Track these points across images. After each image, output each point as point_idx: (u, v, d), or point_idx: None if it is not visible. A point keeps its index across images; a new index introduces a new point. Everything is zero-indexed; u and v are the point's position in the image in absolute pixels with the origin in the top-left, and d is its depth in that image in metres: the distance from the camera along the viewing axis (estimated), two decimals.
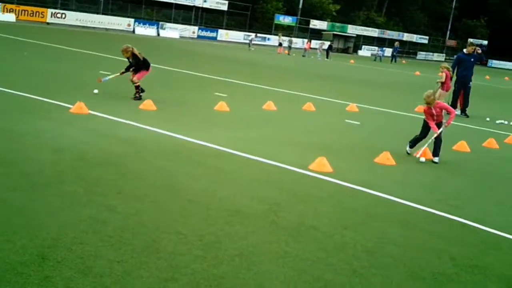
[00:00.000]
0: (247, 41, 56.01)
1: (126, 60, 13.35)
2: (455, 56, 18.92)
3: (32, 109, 10.55)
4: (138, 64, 13.24)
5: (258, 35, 60.14)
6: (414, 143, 10.20)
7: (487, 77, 44.75)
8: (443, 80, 17.26)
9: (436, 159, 9.74)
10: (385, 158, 9.31)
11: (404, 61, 65.78)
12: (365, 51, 76.32)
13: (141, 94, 13.22)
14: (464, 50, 17.88)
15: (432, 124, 9.85)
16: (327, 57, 50.40)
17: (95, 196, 5.96)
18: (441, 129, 9.79)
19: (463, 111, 17.71)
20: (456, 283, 4.86)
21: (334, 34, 72.27)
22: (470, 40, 18.07)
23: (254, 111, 13.60)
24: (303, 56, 50.54)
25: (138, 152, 8.19)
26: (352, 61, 51.05)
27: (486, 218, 6.84)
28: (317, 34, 71.51)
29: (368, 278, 4.70)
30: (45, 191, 5.95)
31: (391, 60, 58.36)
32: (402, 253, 5.40)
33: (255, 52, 46.69)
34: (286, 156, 8.93)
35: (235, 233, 5.38)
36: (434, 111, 9.80)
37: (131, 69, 13.23)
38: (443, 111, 10.04)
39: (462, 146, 11.38)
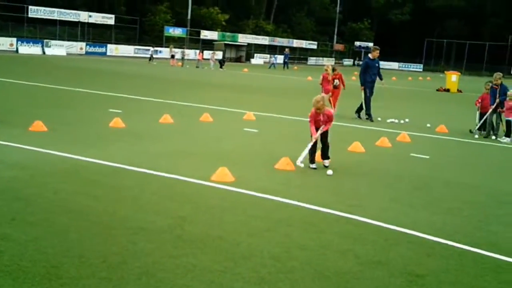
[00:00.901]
0: (148, 55, 55.59)
1: None
2: (361, 62, 19.17)
3: None
4: None
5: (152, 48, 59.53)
6: (311, 156, 9.83)
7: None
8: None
9: (325, 163, 9.86)
10: (285, 163, 9.53)
11: (295, 67, 67.58)
12: (258, 59, 77.66)
13: None
14: (370, 55, 18.09)
15: (312, 129, 9.72)
16: (221, 67, 50.80)
17: None
18: (317, 134, 9.64)
19: (368, 115, 17.83)
20: (361, 280, 5.07)
21: (225, 44, 73.00)
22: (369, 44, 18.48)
23: (151, 125, 13.46)
24: (197, 67, 50.59)
25: (31, 176, 7.86)
26: (245, 69, 51.76)
27: (384, 215, 7.18)
28: (208, 45, 71.88)
29: (276, 284, 4.79)
30: None
31: (284, 67, 59.81)
32: (307, 255, 5.55)
33: (147, 66, 46.17)
34: (187, 169, 8.92)
35: (140, 251, 5.30)
36: (321, 117, 9.65)
37: None
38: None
39: (357, 146, 11.88)
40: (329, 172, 9.43)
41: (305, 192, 8.13)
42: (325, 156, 9.93)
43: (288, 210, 7.17)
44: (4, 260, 4.82)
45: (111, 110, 15.57)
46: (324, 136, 9.83)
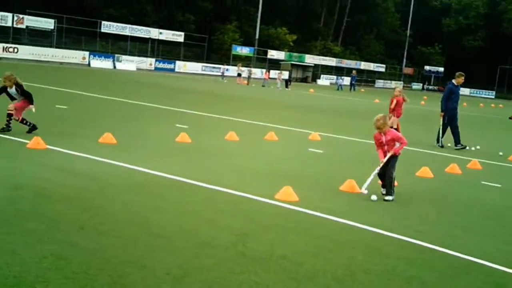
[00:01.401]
0: (217, 73, 56.76)
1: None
2: (446, 87, 18.29)
3: None
4: (21, 95, 12.07)
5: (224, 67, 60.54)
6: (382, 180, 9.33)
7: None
8: (392, 106, 17.65)
9: (387, 198, 9.01)
10: (350, 186, 9.43)
11: (362, 90, 67.07)
12: (324, 80, 77.61)
13: (31, 129, 11.95)
14: (454, 81, 17.26)
15: (379, 153, 9.20)
16: (286, 87, 51.03)
17: (56, 233, 5.87)
18: (385, 159, 9.03)
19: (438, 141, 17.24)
20: None
21: (292, 64, 73.35)
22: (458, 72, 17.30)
23: (216, 142, 13.64)
24: (263, 86, 51.02)
25: (100, 187, 8.10)
26: (311, 90, 51.77)
27: (452, 243, 6.98)
28: (275, 64, 72.45)
29: None
30: (4, 229, 5.83)
31: (350, 89, 59.48)
32: (371, 280, 5.46)
33: (214, 83, 46.93)
34: (252, 186, 8.97)
35: (203, 266, 5.36)
36: (384, 139, 9.12)
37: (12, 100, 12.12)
38: (396, 142, 9.13)
39: (425, 172, 11.63)
40: (373, 197, 8.90)
41: (370, 215, 8.01)
42: (387, 190, 9.14)
43: (352, 233, 7.08)
44: (72, 267, 4.98)
45: (178, 125, 15.88)
46: (390, 164, 9.09)
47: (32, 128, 12.02)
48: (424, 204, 9.17)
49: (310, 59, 79.04)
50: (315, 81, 76.47)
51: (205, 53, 70.50)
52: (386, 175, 9.11)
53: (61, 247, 5.45)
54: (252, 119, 19.90)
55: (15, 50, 49.72)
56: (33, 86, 24.73)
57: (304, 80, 74.97)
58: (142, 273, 5.01)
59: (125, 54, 59.98)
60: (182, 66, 63.90)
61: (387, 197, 9.04)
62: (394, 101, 17.65)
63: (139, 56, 61.34)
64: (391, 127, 17.09)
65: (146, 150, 11.61)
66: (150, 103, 22.22)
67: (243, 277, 5.16)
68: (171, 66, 62.96)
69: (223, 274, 5.19)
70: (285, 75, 53.95)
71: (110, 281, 4.75)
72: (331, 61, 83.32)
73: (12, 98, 12.11)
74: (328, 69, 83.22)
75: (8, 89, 11.98)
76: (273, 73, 62.89)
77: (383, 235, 7.08)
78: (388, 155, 9.10)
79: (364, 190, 9.07)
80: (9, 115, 11.81)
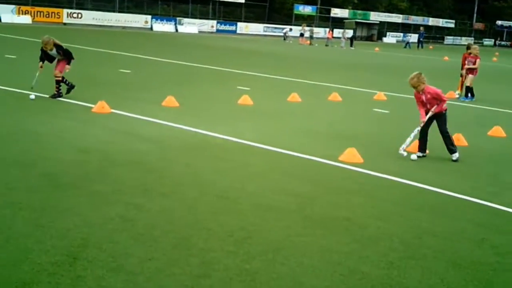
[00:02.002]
0: (279, 33, 56.38)
1: (52, 53, 11.95)
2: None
3: (54, 110, 10.67)
4: (63, 56, 12.00)
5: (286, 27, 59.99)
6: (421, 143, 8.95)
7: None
8: (477, 66, 16.96)
9: (453, 156, 8.77)
10: (417, 147, 9.20)
11: (431, 47, 65.10)
12: (390, 38, 75.70)
13: (70, 88, 12.10)
14: None
15: (421, 111, 8.82)
16: (351, 46, 50.10)
17: (122, 195, 6.01)
18: (425, 118, 8.71)
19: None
20: (499, 272, 4.80)
21: (356, 22, 71.78)
22: None
23: (278, 104, 13.58)
24: (326, 45, 50.31)
25: (163, 149, 8.23)
26: (377, 48, 50.65)
27: None
28: (338, 23, 71.08)
29: (405, 270, 4.66)
30: (71, 191, 6.01)
31: (418, 46, 57.85)
32: (440, 243, 5.34)
33: (276, 44, 46.62)
34: (315, 148, 8.91)
35: (267, 228, 5.37)
36: (423, 98, 8.74)
37: (53, 61, 12.17)
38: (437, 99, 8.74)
39: (498, 131, 11.22)
40: (413, 156, 8.67)
41: (439, 176, 7.81)
42: (448, 149, 8.83)
43: (419, 195, 6.94)
44: (138, 228, 5.09)
45: (239, 87, 15.89)
46: (439, 123, 8.81)
47: (71, 88, 12.08)
48: (495, 165, 8.87)
49: (375, 17, 77.04)
50: (381, 39, 74.66)
51: (267, 13, 69.86)
52: (442, 135, 8.82)
53: (127, 209, 5.58)
54: (315, 80, 19.68)
55: (79, 15, 50.78)
56: (96, 51, 25.27)
57: (369, 38, 73.31)
58: (206, 235, 5.07)
59: (187, 17, 60.22)
60: (243, 27, 63.67)
61: (454, 156, 8.77)
62: (478, 61, 16.92)
63: (200, 18, 61.49)
64: (468, 86, 16.58)
65: (208, 112, 11.69)
66: (212, 66, 22.31)
67: (307, 239, 5.15)
68: (233, 27, 62.85)
69: (287, 236, 5.19)
70: (349, 33, 52.86)
71: (174, 242, 4.83)
72: (397, 18, 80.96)
73: (51, 60, 12.11)
74: (394, 27, 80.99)
75: (49, 52, 11.93)
76: (337, 32, 61.79)
77: (452, 196, 6.90)
78: (429, 114, 8.73)
79: (402, 151, 8.74)
80: (58, 82, 11.93)
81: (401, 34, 76.13)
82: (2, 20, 44.57)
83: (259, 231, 5.26)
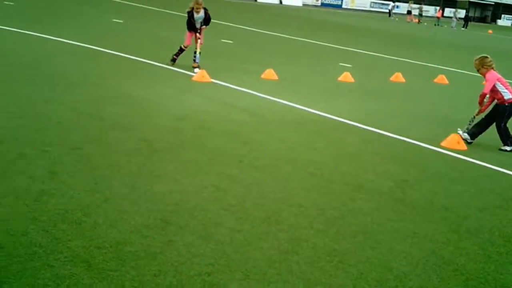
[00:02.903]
0: (385, 10, 55.17)
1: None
2: None
3: (155, 76, 10.99)
4: (207, 19, 11.93)
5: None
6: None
7: None
8: None
9: (505, 148, 8.26)
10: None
11: None
12: (505, 21, 71.98)
13: (175, 59, 12.21)
14: None
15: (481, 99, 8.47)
16: (464, 26, 48.06)
17: (216, 165, 6.13)
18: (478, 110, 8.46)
19: None
20: None
21: (469, 2, 68.70)
22: None
23: (380, 83, 13.30)
24: (435, 25, 48.58)
25: (259, 122, 8.29)
26: (490, 31, 48.33)
27: None
28: (450, 1, 68.33)
29: (503, 266, 4.46)
30: (167, 157, 6.19)
31: None
32: None
33: (383, 21, 45.54)
34: (415, 131, 8.67)
35: (359, 209, 5.31)
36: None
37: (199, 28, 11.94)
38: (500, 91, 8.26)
39: None
40: (460, 132, 8.35)
41: None
42: (503, 141, 8.32)
43: None
44: (229, 199, 5.18)
45: (341, 64, 15.69)
46: (493, 115, 8.37)
47: (178, 56, 12.20)
48: None
49: None
50: (495, 21, 71.15)
51: None
52: (498, 128, 8.35)
53: (220, 178, 5.69)
54: (421, 60, 19.08)
55: None
56: None
57: (482, 19, 70.18)
58: (296, 211, 5.09)
59: None
60: (349, 2, 62.70)
61: (503, 147, 8.28)
62: None
63: None
64: None
65: (306, 88, 11.64)
66: (315, 40, 22.14)
67: (399, 224, 5.04)
68: (338, 2, 62.04)
69: (378, 219, 5.11)
70: (461, 13, 50.76)
71: (264, 216, 4.88)
72: None
73: (192, 27, 11.87)
74: (510, 8, 76.83)
75: (196, 15, 11.74)
76: (448, 12, 59.45)
77: None
78: (479, 109, 8.48)
79: (461, 132, 8.43)
80: (183, 51, 12.08)
81: None
82: None
83: (350, 212, 5.20)
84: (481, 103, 8.46)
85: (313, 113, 9.26)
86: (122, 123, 7.37)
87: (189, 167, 5.95)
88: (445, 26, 48.40)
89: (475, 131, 8.41)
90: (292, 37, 22.52)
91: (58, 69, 10.53)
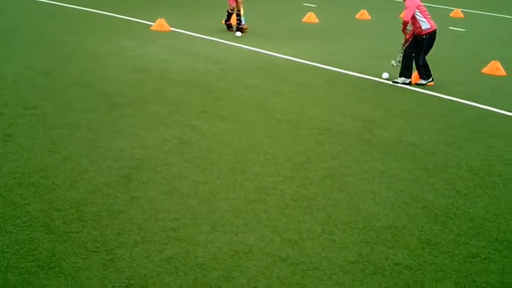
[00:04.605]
0: None
1: None
2: None
3: (113, 28, 10.73)
4: None
5: None
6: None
7: None
8: None
9: (397, 80, 8.01)
10: (494, 68, 8.81)
11: None
12: None
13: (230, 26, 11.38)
14: None
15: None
16: None
17: (179, 116, 6.03)
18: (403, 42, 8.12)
19: None
20: None
21: None
22: None
23: (346, 22, 13.19)
24: None
25: (223, 70, 8.17)
26: None
27: None
28: None
29: (472, 199, 4.51)
30: (127, 112, 6.07)
31: None
32: (511, 171, 5.14)
33: None
34: (381, 70, 8.63)
35: (326, 153, 5.30)
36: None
37: None
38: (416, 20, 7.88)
39: None
40: (385, 75, 8.14)
41: None
42: (419, 74, 8.02)
43: (492, 120, 6.66)
44: (193, 151, 5.12)
45: (305, 4, 15.49)
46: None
47: (229, 20, 11.34)
48: None
49: None
50: None
51: None
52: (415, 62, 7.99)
53: (183, 131, 5.61)
54: None
55: None
56: None
57: None
58: (263, 158, 5.05)
59: None
60: None
61: (398, 79, 8.00)
62: None
63: None
64: None
65: (270, 31, 11.48)
66: None
67: (367, 165, 5.05)
68: None
69: (346, 161, 5.10)
70: None
71: (230, 166, 4.84)
72: None
73: None
74: None
75: None
76: None
77: None
78: (405, 37, 8.09)
79: (394, 63, 8.24)
80: (238, 15, 11.08)
81: None
82: None
83: (317, 156, 5.19)
84: (404, 30, 8.06)
85: (278, 57, 9.16)
86: (80, 79, 7.20)
87: (150, 120, 5.85)
88: None
89: (409, 71, 8.00)
90: None
91: (12, 25, 10.20)
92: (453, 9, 15.45)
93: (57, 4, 12.78)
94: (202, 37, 10.30)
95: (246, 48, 9.57)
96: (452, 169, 5.10)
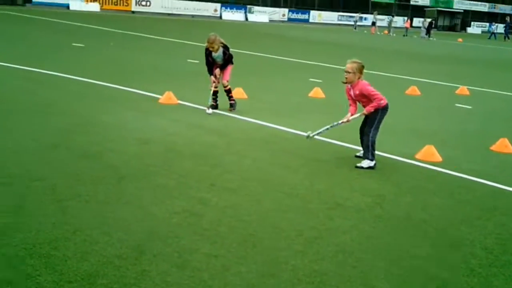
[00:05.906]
0: (352, 22, 56.13)
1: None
2: None
3: (120, 100, 10.96)
4: (226, 59, 10.70)
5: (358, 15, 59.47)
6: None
7: None
8: None
9: (361, 164, 7.57)
10: (503, 145, 8.95)
11: None
12: (475, 28, 73.60)
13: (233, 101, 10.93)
14: None
15: (350, 108, 7.86)
16: (427, 35, 48.86)
17: (187, 189, 6.12)
18: (353, 116, 7.76)
19: None
20: None
21: (438, 11, 70.12)
22: None
23: None
24: (404, 36, 49.40)
25: (230, 143, 8.32)
26: (460, 39, 49.33)
27: None
28: (418, 11, 69.63)
29: (487, 278, 4.54)
30: (134, 184, 6.17)
31: (505, 38, 56.00)
32: None
33: (350, 34, 46.15)
34: (390, 145, 8.78)
35: (337, 228, 5.35)
36: (352, 92, 7.75)
37: (215, 68, 10.69)
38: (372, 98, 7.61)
39: None
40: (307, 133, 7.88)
41: None
42: (363, 154, 7.70)
43: (503, 197, 6.74)
44: (203, 224, 5.18)
45: (311, 79, 15.85)
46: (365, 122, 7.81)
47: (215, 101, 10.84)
48: None
49: (459, 5, 75.02)
50: (464, 29, 72.68)
51: (342, 1, 69.21)
52: (364, 136, 7.72)
53: (192, 203, 5.68)
54: (392, 72, 19.37)
55: (148, 3, 51.87)
56: (164, 40, 25.76)
57: (451, 28, 71.60)
58: (273, 233, 5.11)
59: (257, 4, 60.44)
60: (316, 16, 63.38)
61: (359, 164, 7.59)
62: None
63: (271, 6, 61.56)
64: None
65: (277, 105, 11.72)
66: (283, 56, 22.33)
67: (379, 241, 5.10)
68: (305, 16, 62.66)
69: (357, 237, 5.15)
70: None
71: (241, 239, 4.89)
72: (483, 7, 78.56)
73: (211, 67, 10.77)
74: (479, 16, 78.61)
75: (213, 54, 10.62)
76: (417, 22, 60.58)
77: None
78: (355, 116, 7.75)
79: (310, 134, 7.97)
80: (229, 91, 10.81)
81: (487, 24, 73.72)
82: (71, 8, 46.07)
83: (328, 231, 5.24)
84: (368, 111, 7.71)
85: (285, 131, 9.33)
86: (87, 151, 7.33)
87: (158, 193, 5.93)
88: (415, 36, 49.25)
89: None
90: (261, 54, 22.69)
91: (9, 96, 10.44)
92: (459, 87, 15.78)
93: (63, 76, 13.09)
94: (206, 109, 10.50)
95: (253, 122, 9.77)
96: (466, 247, 5.14)
